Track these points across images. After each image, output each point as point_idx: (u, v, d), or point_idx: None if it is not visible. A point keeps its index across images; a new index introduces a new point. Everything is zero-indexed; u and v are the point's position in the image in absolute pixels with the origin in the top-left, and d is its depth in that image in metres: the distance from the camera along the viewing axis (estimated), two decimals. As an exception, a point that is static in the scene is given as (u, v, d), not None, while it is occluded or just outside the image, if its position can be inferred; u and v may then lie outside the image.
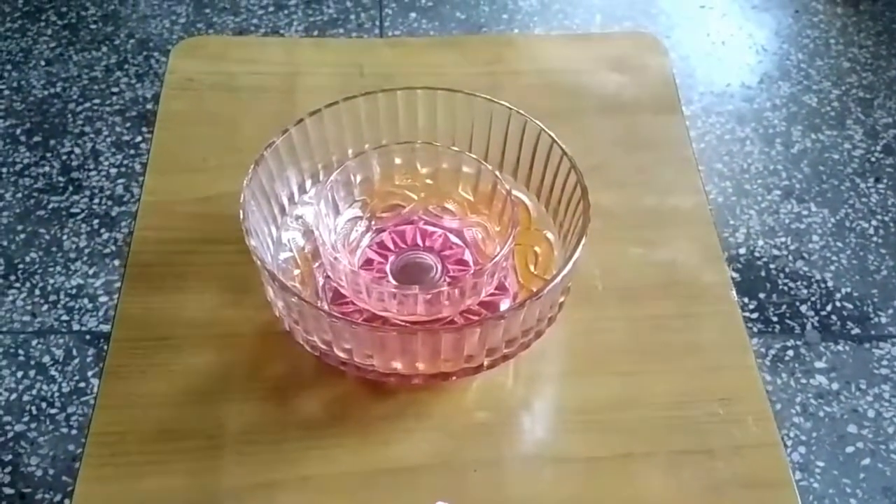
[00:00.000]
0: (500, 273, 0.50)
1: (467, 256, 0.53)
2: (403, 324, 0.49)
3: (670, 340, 0.53)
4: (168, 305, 0.54)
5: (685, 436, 0.50)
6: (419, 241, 0.53)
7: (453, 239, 0.54)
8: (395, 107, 0.54)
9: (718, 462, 0.49)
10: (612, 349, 0.53)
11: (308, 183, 0.54)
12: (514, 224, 0.49)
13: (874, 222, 1.36)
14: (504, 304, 0.51)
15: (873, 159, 1.44)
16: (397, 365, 0.46)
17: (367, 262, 0.53)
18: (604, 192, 0.58)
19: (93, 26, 1.58)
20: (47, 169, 1.37)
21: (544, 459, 0.49)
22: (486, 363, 0.47)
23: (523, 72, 0.68)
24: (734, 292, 0.56)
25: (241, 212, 0.47)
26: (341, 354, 0.47)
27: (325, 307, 0.51)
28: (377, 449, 0.48)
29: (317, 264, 0.52)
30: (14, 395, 1.14)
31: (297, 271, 0.52)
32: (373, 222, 0.54)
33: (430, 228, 0.54)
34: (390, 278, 0.52)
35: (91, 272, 1.26)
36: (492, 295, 0.51)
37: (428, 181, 0.54)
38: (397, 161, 0.53)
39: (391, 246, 0.53)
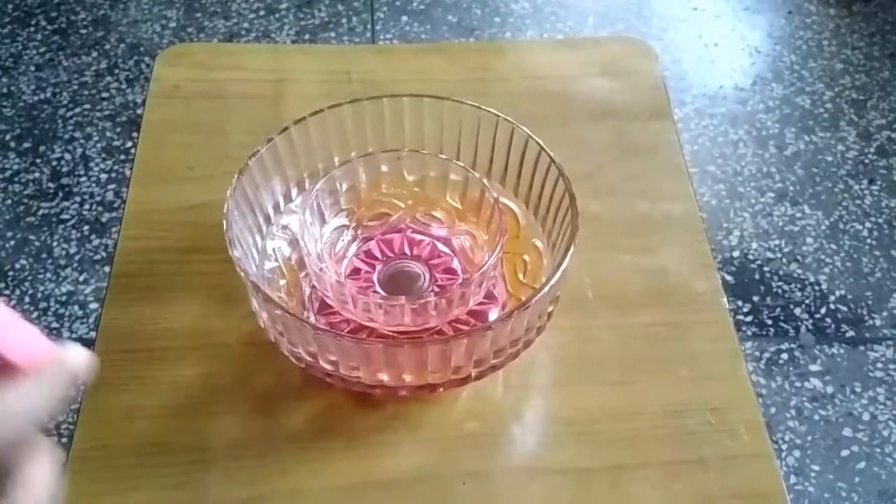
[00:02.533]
0: (488, 282, 0.49)
1: (455, 265, 0.52)
2: (390, 334, 0.49)
3: (661, 349, 0.53)
4: (153, 316, 0.53)
5: (677, 446, 0.49)
6: (407, 250, 0.53)
7: (441, 247, 0.53)
8: (381, 114, 0.53)
9: (710, 473, 0.48)
10: (603, 358, 0.53)
11: (294, 192, 0.54)
12: (502, 232, 0.49)
13: (868, 224, 1.36)
14: (493, 313, 0.51)
15: (867, 161, 1.44)
16: (383, 377, 0.46)
17: (355, 272, 0.52)
18: (594, 198, 0.58)
19: (83, 31, 1.58)
20: (37, 175, 1.36)
21: (534, 471, 0.48)
22: (473, 374, 0.47)
23: (512, 78, 0.67)
24: (725, 300, 0.55)
25: (224, 222, 0.46)
26: (327, 366, 0.46)
27: (312, 317, 0.50)
28: (365, 461, 0.48)
29: (303, 274, 0.51)
30: (4, 404, 1.13)
31: (283, 281, 0.51)
32: (359, 231, 0.53)
33: (418, 237, 0.53)
34: (378, 287, 0.51)
35: (81, 279, 1.25)
36: (480, 304, 0.50)
37: (415, 189, 0.54)
38: (384, 169, 0.53)
39: (378, 255, 0.52)
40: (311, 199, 0.51)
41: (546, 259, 0.52)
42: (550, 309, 0.49)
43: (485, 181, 0.52)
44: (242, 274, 0.45)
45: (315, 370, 0.47)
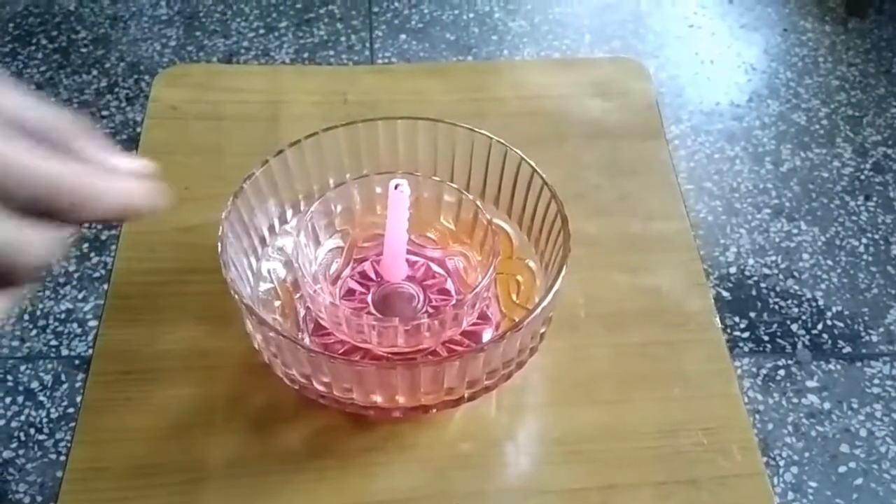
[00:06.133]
0: (481, 303, 0.49)
1: (449, 286, 0.53)
2: (384, 355, 0.49)
3: (654, 369, 0.53)
4: (148, 337, 0.53)
5: (670, 466, 0.49)
6: (401, 271, 0.53)
7: (435, 268, 0.53)
8: (375, 137, 0.54)
9: (703, 493, 0.48)
10: (596, 378, 0.53)
11: (289, 213, 0.54)
12: (496, 254, 0.49)
13: (864, 240, 1.36)
14: (486, 334, 0.51)
15: (863, 177, 1.44)
16: (377, 398, 0.46)
17: (349, 293, 0.52)
18: (587, 218, 0.59)
19: (83, 50, 1.59)
20: (37, 193, 1.37)
21: (528, 492, 0.49)
22: (466, 395, 0.47)
23: (507, 98, 0.68)
24: (718, 319, 0.55)
25: (219, 244, 0.47)
26: (320, 388, 0.46)
27: (307, 339, 0.50)
28: (358, 482, 0.48)
29: (298, 295, 0.52)
30: (2, 421, 1.14)
31: (277, 302, 0.51)
32: (354, 252, 0.54)
33: (412, 258, 0.53)
34: (372, 309, 0.52)
35: (80, 296, 1.26)
36: (474, 325, 0.51)
37: (409, 211, 0.54)
38: (378, 191, 0.53)
39: (373, 276, 0.53)
40: (306, 220, 0.51)
41: (539, 279, 0.52)
42: (543, 329, 0.49)
43: (478, 203, 0.52)
44: (236, 296, 0.45)
45: (309, 391, 0.47)
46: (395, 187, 0.48)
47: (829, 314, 1.27)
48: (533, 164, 0.51)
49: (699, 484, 0.48)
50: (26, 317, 1.23)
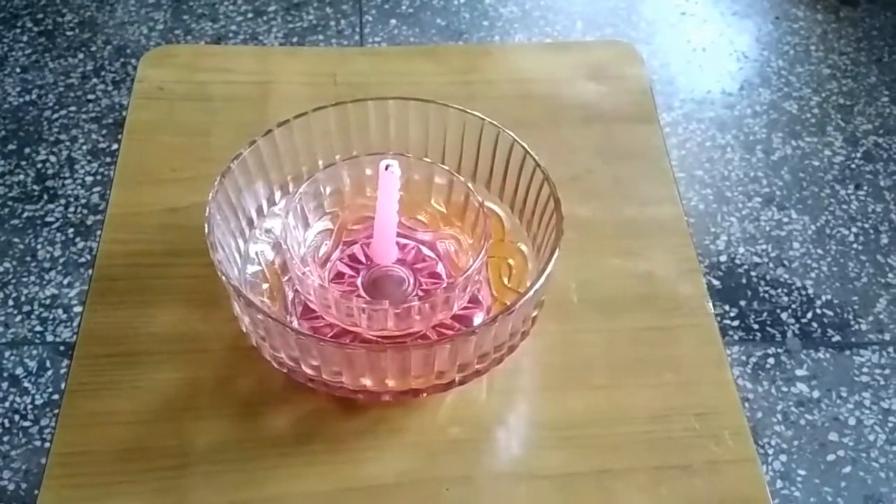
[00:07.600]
0: (472, 287, 0.49)
1: (440, 269, 0.52)
2: (374, 339, 0.48)
3: (647, 354, 0.53)
4: (134, 320, 0.52)
5: (662, 451, 0.49)
6: (391, 254, 0.52)
7: (426, 251, 0.53)
8: (366, 117, 0.53)
9: (695, 478, 0.48)
10: (588, 363, 0.52)
11: (277, 195, 0.53)
12: (487, 237, 0.48)
13: (854, 229, 1.36)
14: (477, 318, 0.50)
15: (853, 166, 1.44)
16: (366, 382, 0.45)
17: (339, 276, 0.52)
18: (580, 202, 0.58)
19: (69, 33, 1.57)
20: (22, 177, 1.35)
21: (519, 476, 0.48)
22: (457, 379, 0.46)
23: (499, 81, 0.67)
24: (710, 304, 0.55)
25: (206, 225, 0.46)
26: (309, 371, 0.46)
27: (295, 322, 0.50)
28: (348, 467, 0.47)
29: (286, 278, 0.51)
30: (-14, 408, 1.12)
31: (265, 285, 0.51)
32: (343, 235, 0.53)
33: (403, 241, 0.53)
34: (362, 292, 0.51)
35: (66, 282, 1.24)
36: (465, 308, 0.50)
37: (400, 193, 0.53)
38: (368, 172, 0.52)
39: (362, 259, 0.52)
40: (295, 202, 0.50)
41: (531, 263, 0.51)
42: (535, 313, 0.49)
43: (469, 185, 0.51)
44: (224, 278, 0.44)
45: (297, 375, 0.46)
46: (386, 168, 0.47)
47: (818, 303, 1.27)
48: (525, 145, 0.50)
49: (692, 469, 0.48)
50: (11, 302, 1.22)
